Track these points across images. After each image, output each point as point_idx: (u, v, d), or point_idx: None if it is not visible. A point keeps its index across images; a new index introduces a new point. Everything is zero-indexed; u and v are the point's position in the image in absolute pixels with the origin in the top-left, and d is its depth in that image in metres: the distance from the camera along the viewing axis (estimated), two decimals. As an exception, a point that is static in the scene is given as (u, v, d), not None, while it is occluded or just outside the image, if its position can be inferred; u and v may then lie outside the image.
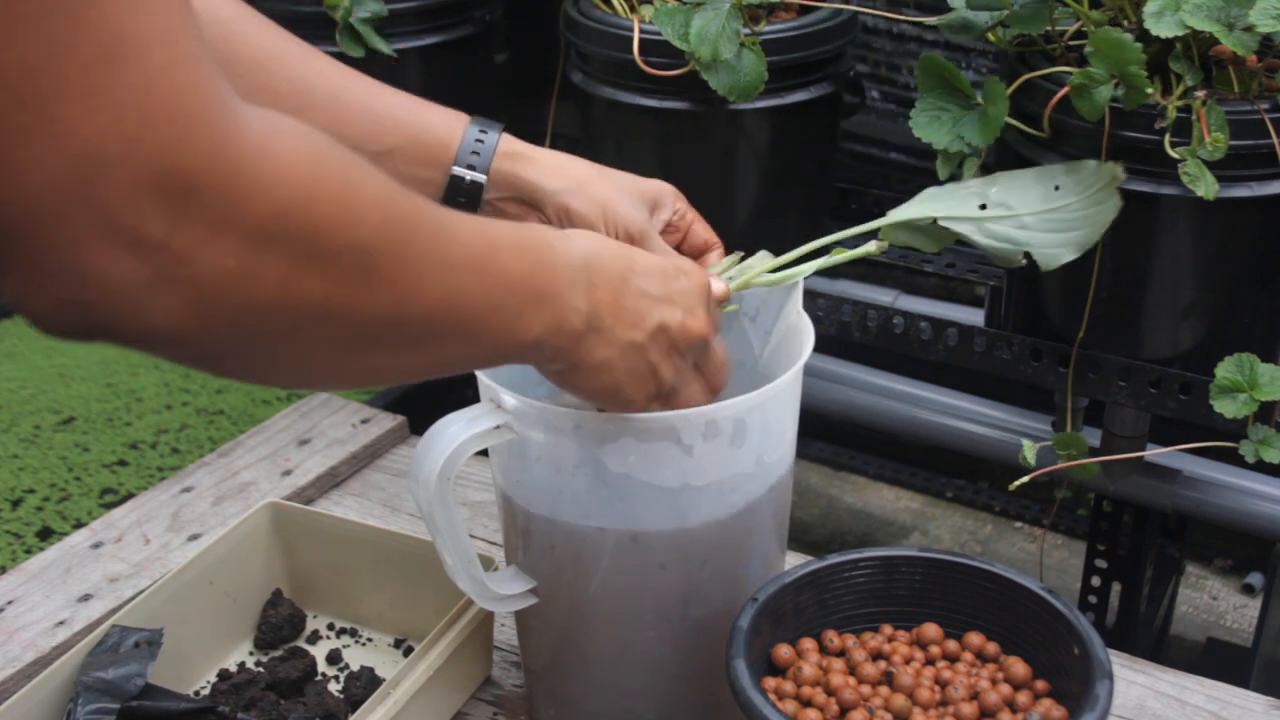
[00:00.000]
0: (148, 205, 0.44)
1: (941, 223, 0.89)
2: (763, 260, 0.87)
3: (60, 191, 0.43)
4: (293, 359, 0.56)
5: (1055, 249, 0.91)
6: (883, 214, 1.35)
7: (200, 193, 0.46)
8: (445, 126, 0.83)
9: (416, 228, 0.57)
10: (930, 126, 1.02)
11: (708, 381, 0.79)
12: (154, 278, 0.46)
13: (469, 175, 0.83)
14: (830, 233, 0.88)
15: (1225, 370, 0.98)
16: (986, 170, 1.00)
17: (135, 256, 0.45)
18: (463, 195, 0.84)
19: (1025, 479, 1.06)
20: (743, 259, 0.87)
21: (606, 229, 0.83)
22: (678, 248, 0.88)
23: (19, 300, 0.46)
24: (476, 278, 0.61)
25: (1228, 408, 0.98)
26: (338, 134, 0.79)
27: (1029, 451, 1.07)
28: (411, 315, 0.57)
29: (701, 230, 0.89)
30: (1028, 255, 0.90)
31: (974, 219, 0.89)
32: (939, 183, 0.99)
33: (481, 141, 0.83)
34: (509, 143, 0.85)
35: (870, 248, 0.88)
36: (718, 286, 0.80)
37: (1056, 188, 0.92)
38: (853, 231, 0.88)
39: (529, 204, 0.85)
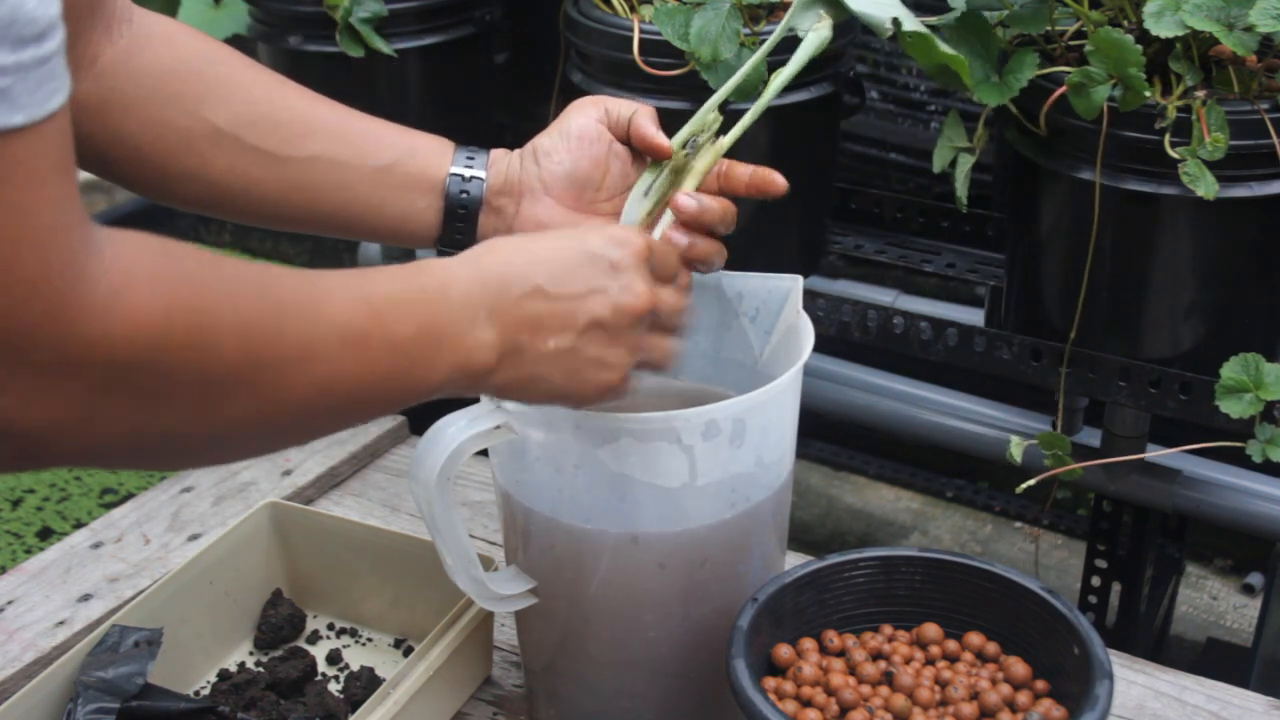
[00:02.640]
0: None
1: None
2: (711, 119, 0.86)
3: None
4: (151, 464, 0.62)
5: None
6: (883, 216, 1.35)
7: (28, 357, 0.49)
8: (436, 144, 0.86)
9: (279, 338, 0.58)
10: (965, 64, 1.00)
11: (666, 332, 0.77)
12: None
13: (467, 172, 0.85)
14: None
15: (1231, 370, 0.98)
16: (983, 170, 1.00)
17: None
18: (462, 200, 0.85)
19: (1032, 481, 1.06)
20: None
21: (608, 119, 0.84)
22: None
23: None
24: (359, 354, 0.61)
25: (1234, 408, 0.98)
26: (339, 155, 0.82)
27: (1016, 450, 1.07)
28: (282, 415, 0.59)
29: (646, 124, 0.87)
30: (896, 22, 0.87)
31: None
32: (937, 181, 0.99)
33: (473, 156, 0.85)
34: (498, 153, 0.87)
35: (823, 31, 0.85)
36: (663, 240, 0.79)
37: None
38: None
39: (513, 194, 0.86)
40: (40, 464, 0.53)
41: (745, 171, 0.87)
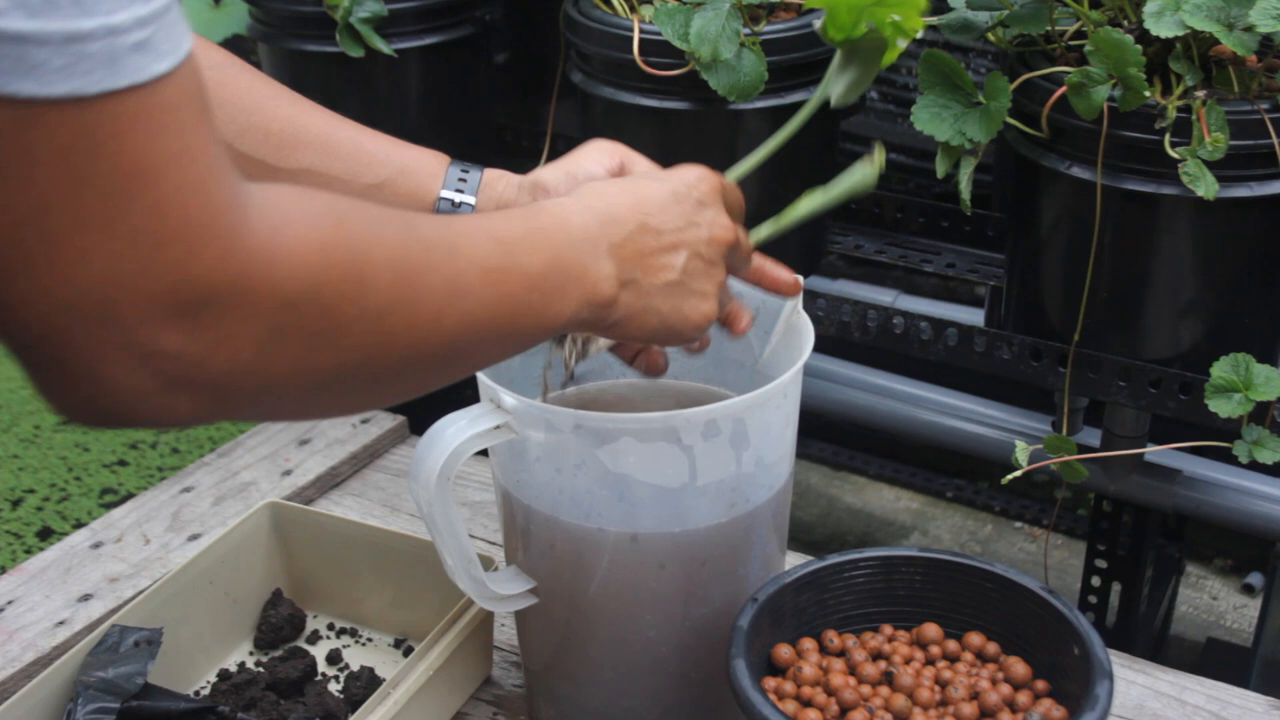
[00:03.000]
0: (162, 321, 0.48)
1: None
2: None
3: (80, 314, 0.47)
4: (319, 409, 0.62)
5: None
6: (883, 216, 1.35)
7: (210, 303, 0.49)
8: (430, 158, 0.85)
9: (428, 271, 0.59)
10: (933, 121, 1.02)
11: (733, 271, 0.80)
12: (172, 382, 0.49)
13: (457, 197, 0.84)
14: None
15: (1221, 370, 0.98)
16: (983, 170, 1.00)
17: (152, 367, 0.49)
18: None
19: (1018, 473, 1.06)
20: None
21: (621, 173, 0.84)
22: None
23: (49, 399, 0.50)
24: (497, 289, 0.62)
25: (1223, 407, 0.98)
26: (329, 169, 0.81)
27: (1021, 454, 1.07)
28: (434, 348, 0.60)
29: None
30: None
31: None
32: (937, 181, 0.99)
33: (466, 173, 0.85)
34: (493, 173, 0.86)
35: (870, 173, 0.84)
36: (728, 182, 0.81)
37: None
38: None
39: (540, 188, 0.85)
40: (228, 410, 0.53)
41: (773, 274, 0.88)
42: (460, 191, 0.84)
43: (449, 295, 0.60)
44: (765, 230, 0.85)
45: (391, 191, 0.83)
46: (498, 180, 0.85)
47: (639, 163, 0.85)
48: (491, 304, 0.62)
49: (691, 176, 0.77)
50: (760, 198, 1.20)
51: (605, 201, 0.72)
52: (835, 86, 0.86)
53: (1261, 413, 1.00)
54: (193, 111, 0.48)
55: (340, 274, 0.54)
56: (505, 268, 0.63)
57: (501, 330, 0.64)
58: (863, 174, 0.84)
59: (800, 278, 0.88)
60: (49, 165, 0.45)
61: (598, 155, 0.85)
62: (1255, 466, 1.11)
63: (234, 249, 0.49)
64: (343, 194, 0.81)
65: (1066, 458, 1.07)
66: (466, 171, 0.85)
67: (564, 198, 0.72)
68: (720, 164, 1.20)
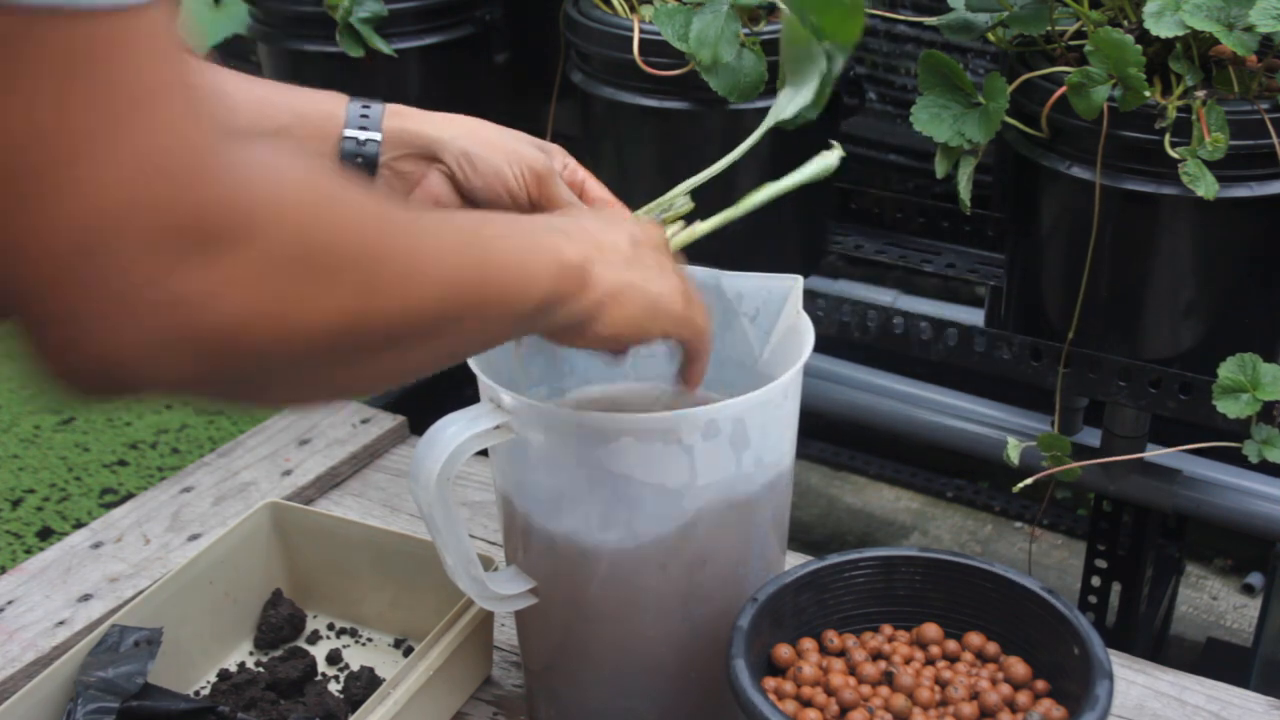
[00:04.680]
0: (162, 259, 0.45)
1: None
2: (685, 201, 0.85)
3: (84, 253, 0.44)
4: (306, 384, 0.57)
5: None
6: (883, 216, 1.35)
7: (210, 241, 0.46)
8: (329, 100, 0.83)
9: (407, 229, 0.58)
10: (932, 122, 1.02)
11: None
12: (176, 331, 0.46)
13: (362, 135, 0.82)
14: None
15: (1228, 370, 0.98)
16: (983, 170, 1.00)
17: (156, 310, 0.46)
18: (360, 157, 0.83)
19: (1029, 480, 1.06)
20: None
21: (510, 168, 0.83)
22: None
23: (44, 363, 0.47)
24: (477, 255, 0.62)
25: (1230, 408, 0.98)
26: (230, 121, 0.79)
27: (1013, 451, 1.07)
28: (425, 307, 0.58)
29: (596, 188, 0.88)
30: None
31: None
32: (937, 181, 0.99)
33: (368, 108, 0.83)
34: (394, 107, 0.85)
35: (831, 159, 0.85)
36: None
37: None
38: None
39: (426, 157, 0.84)
40: (224, 371, 0.49)
41: (596, 197, 0.87)
42: (364, 129, 0.82)
43: (436, 251, 0.58)
44: (718, 219, 0.84)
45: (292, 137, 0.80)
46: (411, 116, 0.84)
47: (558, 195, 0.84)
48: (472, 267, 0.60)
49: (609, 211, 0.77)
50: (752, 211, 1.20)
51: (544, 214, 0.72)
52: (785, 108, 0.86)
53: (1268, 412, 1.00)
54: (178, 46, 0.46)
55: (332, 215, 0.52)
56: (477, 232, 0.62)
57: (483, 297, 0.62)
58: (822, 163, 0.84)
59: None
60: (42, 83, 0.42)
61: (520, 167, 0.83)
62: (1256, 466, 1.11)
63: (230, 183, 0.47)
64: None
65: (1065, 466, 1.07)
66: (368, 107, 0.83)
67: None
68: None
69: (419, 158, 0.84)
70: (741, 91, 1.10)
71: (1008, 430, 1.44)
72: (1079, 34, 1.05)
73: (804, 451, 1.98)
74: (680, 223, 0.85)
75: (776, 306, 0.90)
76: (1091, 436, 1.28)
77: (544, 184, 0.83)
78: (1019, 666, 0.80)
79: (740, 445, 0.80)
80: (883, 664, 0.82)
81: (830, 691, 0.79)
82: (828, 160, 0.84)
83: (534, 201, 0.84)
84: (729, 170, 0.86)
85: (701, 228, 0.84)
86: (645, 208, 0.84)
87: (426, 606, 0.98)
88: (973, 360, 1.17)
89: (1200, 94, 0.97)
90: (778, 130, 1.15)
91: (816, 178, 0.84)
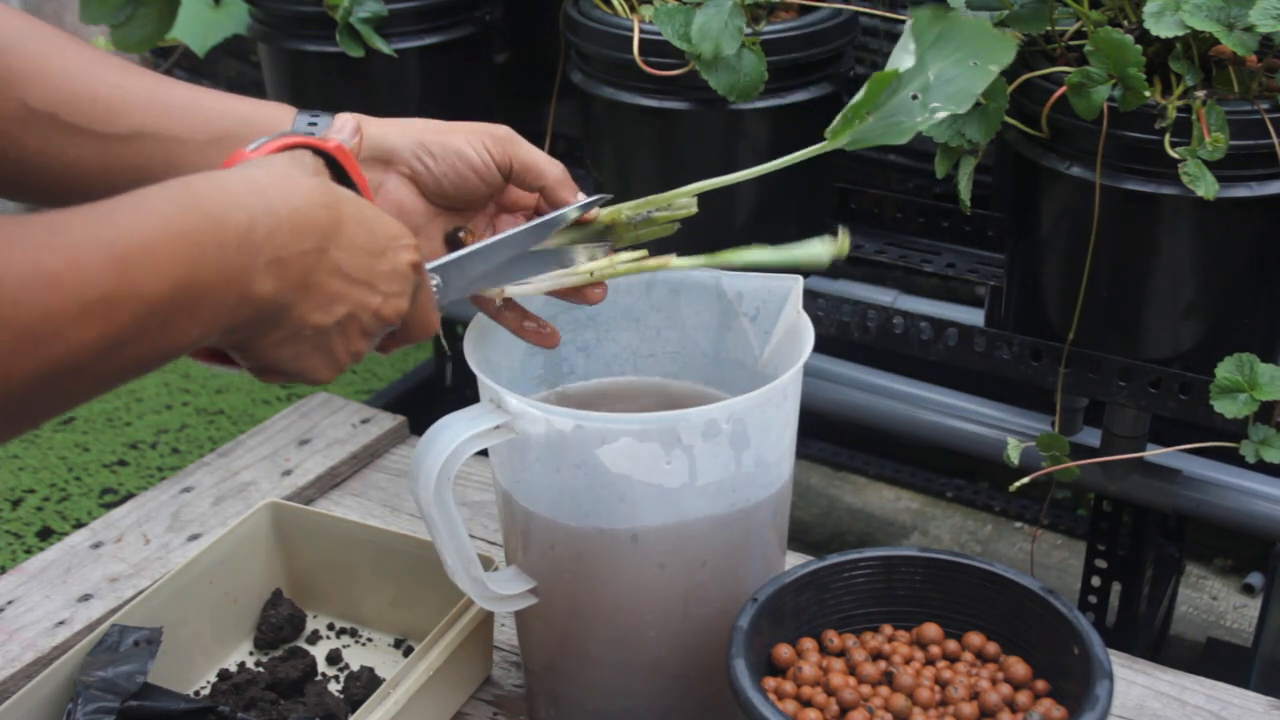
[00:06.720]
0: None
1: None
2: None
3: None
4: None
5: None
6: (883, 216, 1.35)
7: None
8: (278, 110, 0.81)
9: (12, 308, 0.52)
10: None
11: (400, 339, 0.75)
12: None
13: None
14: (830, 233, 0.87)
15: (1225, 370, 0.98)
16: (983, 170, 1.00)
17: None
18: None
19: (1025, 480, 1.06)
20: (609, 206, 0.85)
21: (470, 145, 0.81)
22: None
23: None
24: (104, 322, 0.56)
25: (1228, 408, 0.99)
26: (165, 129, 0.76)
27: (1013, 451, 1.07)
28: (16, 394, 0.54)
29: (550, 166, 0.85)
30: None
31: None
32: (937, 181, 0.99)
33: (316, 117, 0.80)
34: (345, 116, 0.82)
35: (823, 256, 0.84)
36: (430, 267, 0.77)
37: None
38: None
39: (380, 162, 0.82)
40: None
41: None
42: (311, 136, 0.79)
43: (33, 342, 0.53)
44: (693, 260, 0.84)
45: (235, 146, 0.75)
46: (366, 125, 0.81)
47: (524, 152, 0.83)
48: (92, 340, 0.55)
49: (399, 238, 0.71)
50: (759, 198, 1.20)
51: (301, 200, 0.64)
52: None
53: (1266, 412, 1.00)
54: None
55: None
56: (110, 296, 0.55)
57: (106, 367, 0.57)
58: (818, 250, 0.84)
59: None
60: None
61: (479, 139, 0.82)
62: (1256, 466, 1.11)
63: None
64: (176, 155, 0.76)
65: (1064, 465, 1.07)
66: (316, 117, 0.80)
67: (256, 169, 0.65)
68: (720, 164, 1.20)
69: (372, 163, 0.82)
70: (741, 91, 1.10)
71: (1008, 430, 1.44)
72: (1079, 34, 1.05)
73: (804, 451, 1.98)
74: (643, 251, 0.85)
75: (776, 306, 0.90)
76: (1091, 436, 1.28)
77: (507, 145, 0.82)
78: (1019, 666, 0.81)
79: (740, 445, 0.80)
80: (883, 664, 0.82)
81: (830, 691, 0.79)
82: (821, 255, 0.84)
83: (503, 169, 0.83)
84: (729, 171, 0.86)
85: (676, 263, 0.84)
86: (638, 201, 0.84)
87: (426, 606, 0.98)
88: (973, 360, 1.17)
89: (1200, 94, 0.97)
90: (776, 118, 1.16)
91: (805, 264, 0.84)
